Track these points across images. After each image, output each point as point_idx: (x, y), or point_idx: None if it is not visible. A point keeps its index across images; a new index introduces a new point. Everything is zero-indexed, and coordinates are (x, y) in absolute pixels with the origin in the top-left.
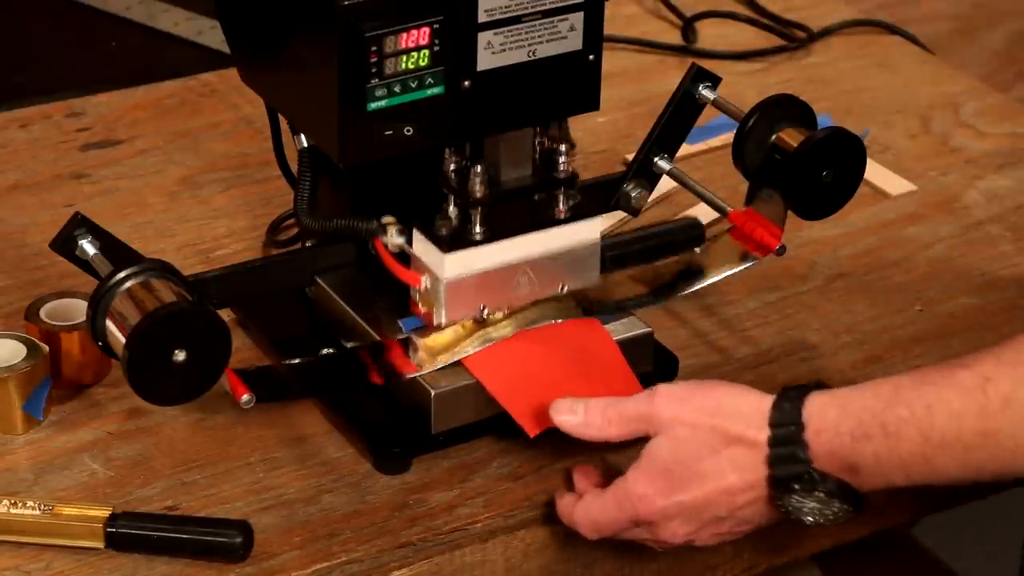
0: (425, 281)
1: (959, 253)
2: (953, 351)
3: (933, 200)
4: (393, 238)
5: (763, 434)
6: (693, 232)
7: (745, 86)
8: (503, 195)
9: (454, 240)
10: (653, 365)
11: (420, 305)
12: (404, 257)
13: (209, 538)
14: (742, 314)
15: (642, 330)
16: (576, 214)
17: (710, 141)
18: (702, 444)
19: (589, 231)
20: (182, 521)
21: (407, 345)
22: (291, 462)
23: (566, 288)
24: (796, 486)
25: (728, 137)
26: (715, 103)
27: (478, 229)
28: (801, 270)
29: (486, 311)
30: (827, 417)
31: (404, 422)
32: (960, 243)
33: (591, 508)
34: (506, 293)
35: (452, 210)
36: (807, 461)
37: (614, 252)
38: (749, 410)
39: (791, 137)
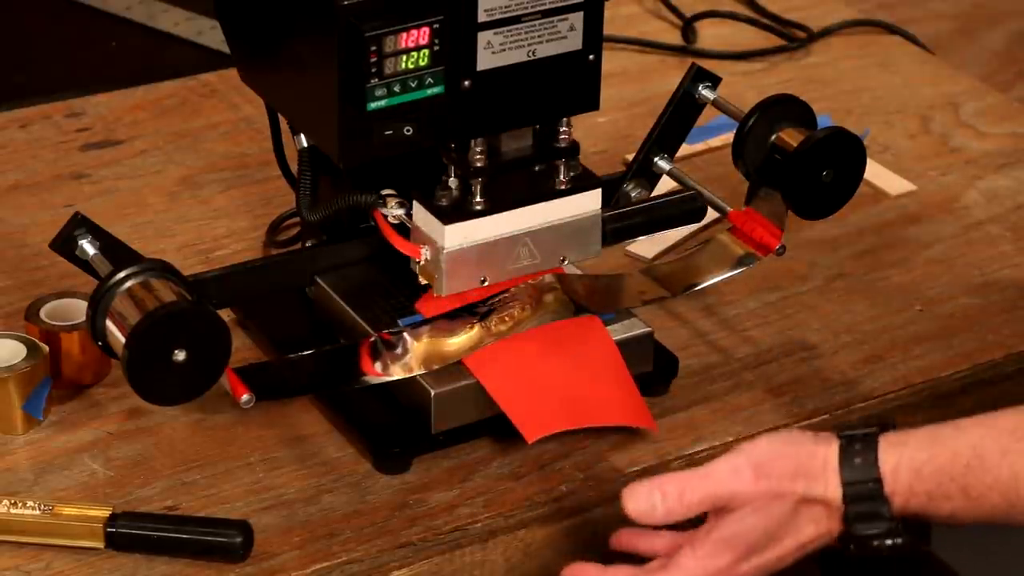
0: (425, 252)
1: (959, 253)
2: (953, 351)
3: (933, 200)
4: (393, 209)
5: (837, 491)
6: (693, 204)
7: (745, 86)
8: (504, 166)
9: (454, 211)
10: (653, 365)
11: (421, 277)
12: (404, 230)
13: (209, 538)
14: (742, 314)
15: (642, 330)
16: (577, 185)
17: (710, 141)
18: (782, 509)
19: (590, 202)
20: (182, 521)
21: (377, 348)
22: (291, 462)
23: (567, 260)
24: (876, 543)
25: (728, 137)
26: (715, 103)
27: (478, 200)
28: (801, 270)
29: (487, 282)
30: (901, 480)
31: (404, 422)
32: (960, 243)
33: None
34: (506, 264)
35: (452, 181)
36: (891, 518)
37: (615, 224)
38: (818, 466)
39: (791, 137)
